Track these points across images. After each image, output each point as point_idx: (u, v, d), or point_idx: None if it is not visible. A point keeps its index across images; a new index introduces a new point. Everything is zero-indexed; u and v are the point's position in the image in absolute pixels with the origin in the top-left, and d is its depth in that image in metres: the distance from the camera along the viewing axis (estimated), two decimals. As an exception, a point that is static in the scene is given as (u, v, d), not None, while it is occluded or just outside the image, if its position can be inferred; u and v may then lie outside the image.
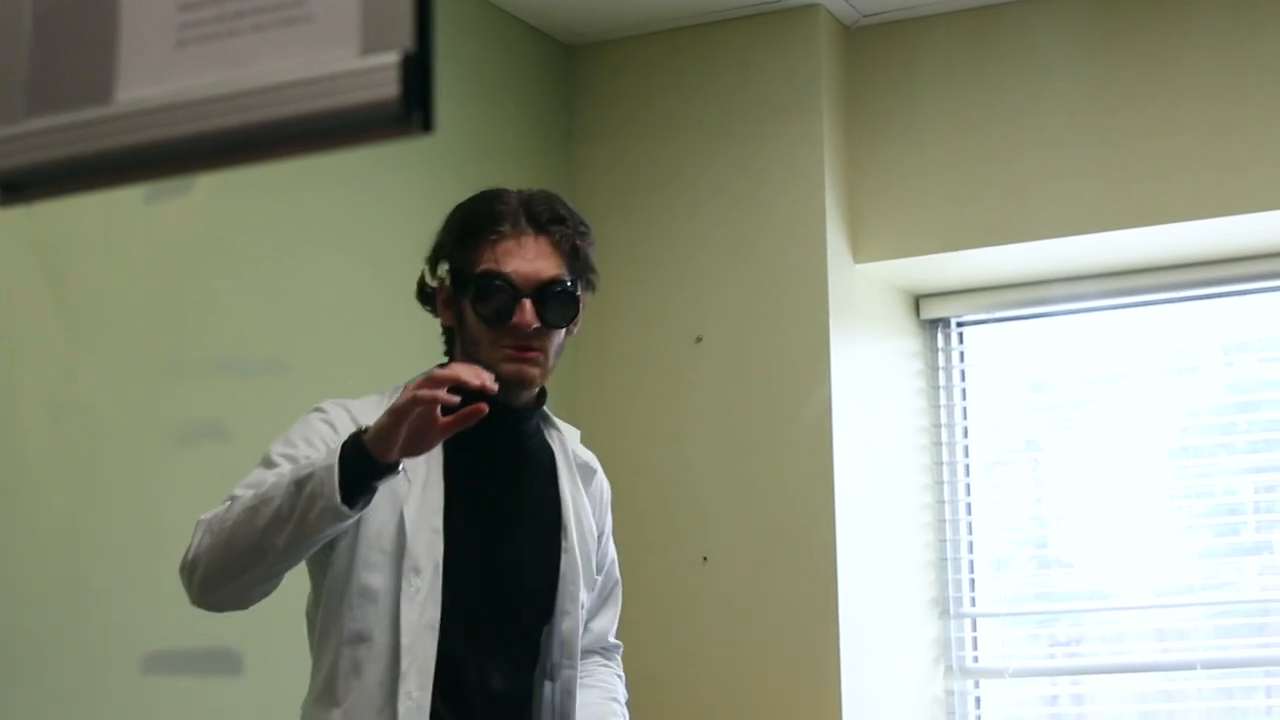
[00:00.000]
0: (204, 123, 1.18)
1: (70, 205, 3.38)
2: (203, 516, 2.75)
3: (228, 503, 2.74)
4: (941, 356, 5.21)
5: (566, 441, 3.06)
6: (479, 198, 2.94)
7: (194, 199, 3.83)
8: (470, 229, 2.89)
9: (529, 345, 2.85)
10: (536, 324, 2.84)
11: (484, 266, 2.85)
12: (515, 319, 2.84)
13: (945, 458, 5.16)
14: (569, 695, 2.95)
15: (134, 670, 3.67)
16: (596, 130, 5.13)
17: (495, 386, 2.63)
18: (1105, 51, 4.71)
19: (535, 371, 2.88)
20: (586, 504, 3.05)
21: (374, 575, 2.80)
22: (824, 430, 4.72)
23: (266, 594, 2.79)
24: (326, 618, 2.84)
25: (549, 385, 2.99)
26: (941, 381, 5.20)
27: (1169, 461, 5.01)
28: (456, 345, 2.93)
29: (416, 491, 2.83)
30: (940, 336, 5.22)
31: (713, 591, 4.78)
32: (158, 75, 1.20)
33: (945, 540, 5.12)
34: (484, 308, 2.84)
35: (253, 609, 3.65)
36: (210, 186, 3.82)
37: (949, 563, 5.11)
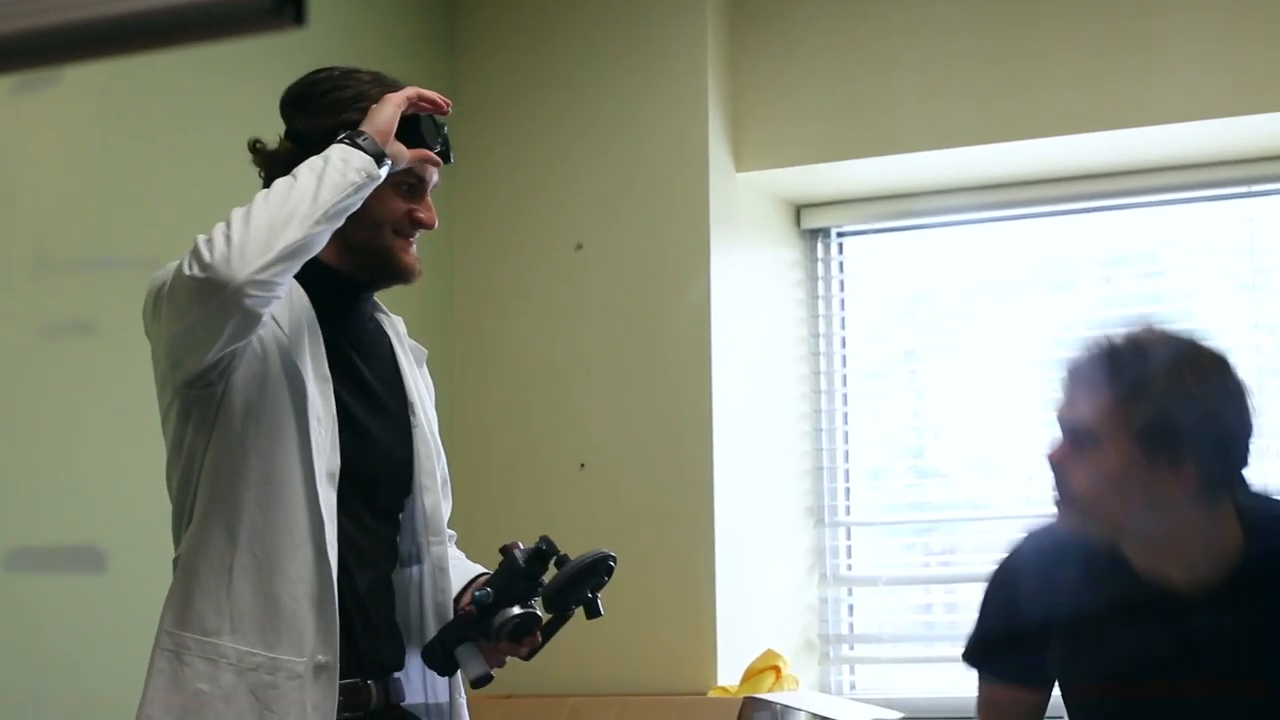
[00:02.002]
0: (73, 12, 1.14)
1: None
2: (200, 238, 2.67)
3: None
4: (821, 266, 5.21)
5: (398, 326, 3.07)
6: (351, 70, 2.93)
7: (62, 91, 3.75)
8: (378, 88, 2.88)
9: (419, 227, 2.91)
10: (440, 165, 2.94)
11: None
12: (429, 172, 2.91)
13: (823, 367, 5.17)
14: (442, 572, 2.95)
15: None
16: (479, 35, 5.07)
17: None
18: (990, -37, 4.71)
19: (419, 263, 2.94)
20: (424, 384, 3.06)
21: (280, 417, 2.77)
22: (702, 339, 4.72)
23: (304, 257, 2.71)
24: (223, 461, 2.77)
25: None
26: (821, 291, 5.20)
27: (1044, 374, 5.05)
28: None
29: (302, 339, 2.80)
30: (820, 246, 5.22)
31: (589, 498, 4.79)
32: (23, -39, 1.16)
33: (822, 449, 5.14)
34: (429, 136, 2.88)
35: (113, 504, 3.60)
36: (79, 79, 3.75)
37: (825, 472, 5.13)
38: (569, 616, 2.90)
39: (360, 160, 2.72)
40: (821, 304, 5.20)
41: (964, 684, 4.93)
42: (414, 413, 2.97)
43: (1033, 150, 4.72)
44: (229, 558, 2.74)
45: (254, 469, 2.75)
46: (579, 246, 4.91)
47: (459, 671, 2.88)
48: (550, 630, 2.90)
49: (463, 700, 2.98)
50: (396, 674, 2.91)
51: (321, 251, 2.85)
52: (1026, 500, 4.98)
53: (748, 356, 4.89)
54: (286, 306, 2.80)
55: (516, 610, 2.82)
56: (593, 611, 2.88)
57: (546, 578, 2.86)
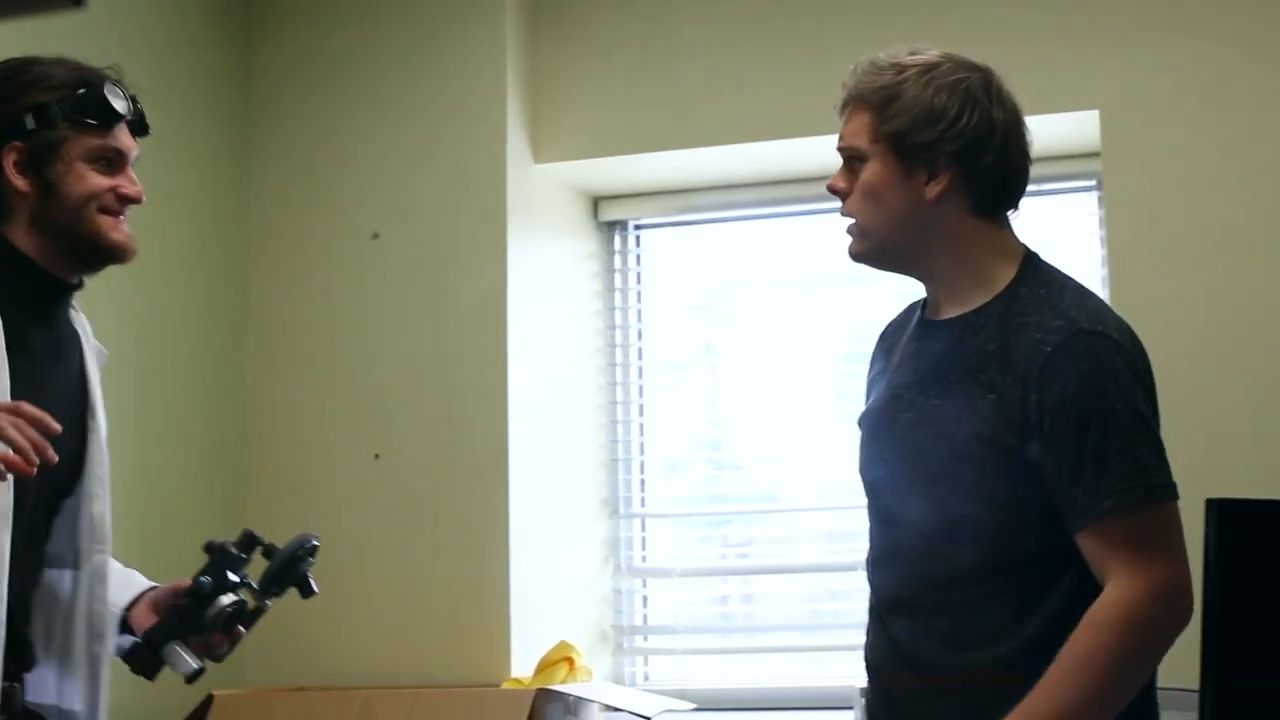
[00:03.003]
0: None
1: None
2: None
3: None
4: (619, 258, 5.22)
5: (85, 326, 2.97)
6: (35, 58, 2.83)
7: None
8: (63, 70, 2.80)
9: (127, 202, 2.82)
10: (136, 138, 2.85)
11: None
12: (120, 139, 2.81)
13: (620, 359, 5.17)
14: (101, 581, 2.87)
15: None
16: (275, 24, 5.01)
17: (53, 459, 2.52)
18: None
19: (134, 240, 2.85)
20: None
21: None
22: (498, 329, 4.70)
23: None
24: None
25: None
26: (618, 284, 5.20)
27: (841, 367, 5.08)
28: (18, 217, 2.78)
29: None
30: (618, 238, 5.22)
31: (383, 489, 4.76)
32: None
33: (618, 441, 5.14)
34: (118, 106, 2.80)
35: None
36: None
37: (620, 463, 5.13)
38: (267, 607, 2.89)
39: None
40: (619, 296, 5.20)
41: (757, 675, 4.99)
42: (93, 416, 2.89)
43: (827, 146, 4.73)
44: None
45: None
46: (375, 236, 4.86)
47: (164, 670, 2.83)
48: (251, 621, 2.89)
49: (102, 717, 2.89)
50: (25, 674, 2.82)
51: (27, 245, 2.78)
52: (823, 493, 5.02)
53: (544, 348, 4.87)
54: None
55: (229, 599, 2.82)
56: (307, 591, 2.89)
57: (251, 569, 2.88)
